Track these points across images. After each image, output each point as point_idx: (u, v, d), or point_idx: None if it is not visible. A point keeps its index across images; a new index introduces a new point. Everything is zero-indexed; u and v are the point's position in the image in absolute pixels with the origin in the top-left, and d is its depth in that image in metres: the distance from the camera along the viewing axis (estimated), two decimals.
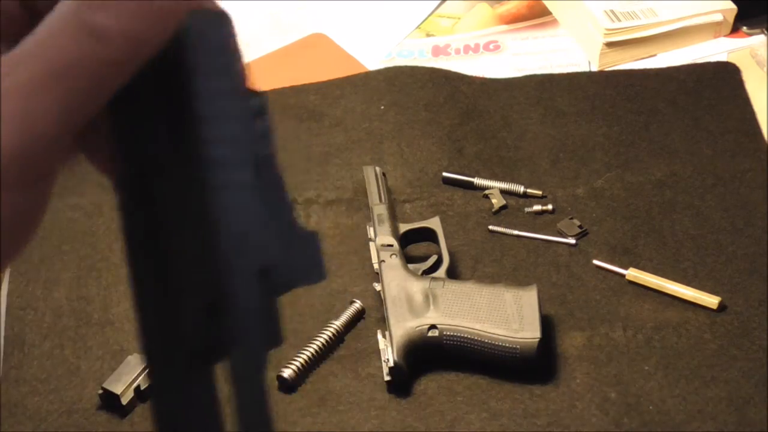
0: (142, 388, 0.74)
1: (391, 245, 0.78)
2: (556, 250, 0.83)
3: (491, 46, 1.05)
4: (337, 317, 0.78)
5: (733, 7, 1.01)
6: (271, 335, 0.29)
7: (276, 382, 0.74)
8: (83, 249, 0.85)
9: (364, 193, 0.85)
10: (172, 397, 0.28)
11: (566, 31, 1.05)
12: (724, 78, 0.95)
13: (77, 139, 0.30)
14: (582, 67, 1.01)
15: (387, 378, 0.74)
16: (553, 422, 0.71)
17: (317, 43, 1.06)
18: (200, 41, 0.28)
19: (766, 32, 1.02)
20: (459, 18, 1.09)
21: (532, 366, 0.73)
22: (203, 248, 0.28)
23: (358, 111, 0.95)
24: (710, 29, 1.01)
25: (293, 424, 0.73)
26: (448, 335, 0.73)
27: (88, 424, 0.73)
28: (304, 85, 0.98)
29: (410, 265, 0.78)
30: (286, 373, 0.74)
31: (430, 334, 0.73)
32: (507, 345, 0.73)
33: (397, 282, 0.76)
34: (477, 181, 0.87)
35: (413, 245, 0.82)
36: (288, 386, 0.74)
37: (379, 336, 0.75)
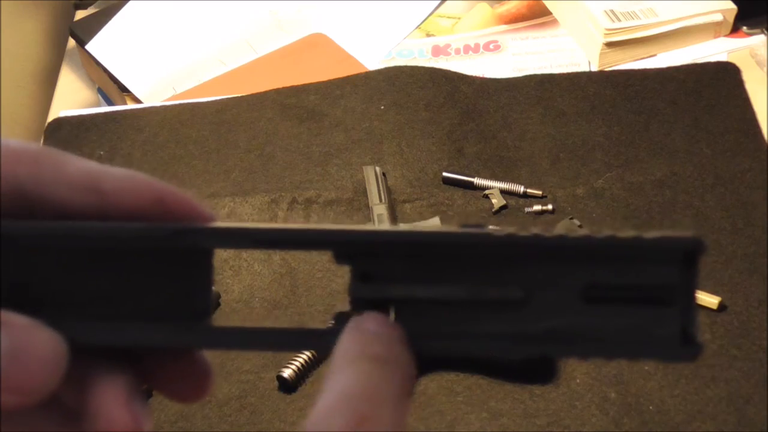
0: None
1: None
2: None
3: (491, 46, 1.05)
4: None
5: (733, 7, 1.01)
6: None
7: (276, 382, 0.75)
8: None
9: (364, 193, 0.85)
10: None
11: (566, 31, 1.05)
12: (724, 78, 0.95)
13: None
14: (582, 67, 1.01)
15: None
16: (553, 422, 0.71)
17: (317, 43, 1.06)
18: None
19: (766, 32, 1.02)
20: (459, 18, 1.09)
21: (532, 365, 0.73)
22: None
23: (358, 111, 0.95)
24: (710, 29, 1.01)
25: (293, 425, 0.73)
26: None
27: None
28: (304, 85, 0.98)
29: None
30: (286, 373, 0.74)
31: None
32: None
33: None
34: (477, 181, 0.87)
35: None
36: (288, 386, 0.74)
37: None
